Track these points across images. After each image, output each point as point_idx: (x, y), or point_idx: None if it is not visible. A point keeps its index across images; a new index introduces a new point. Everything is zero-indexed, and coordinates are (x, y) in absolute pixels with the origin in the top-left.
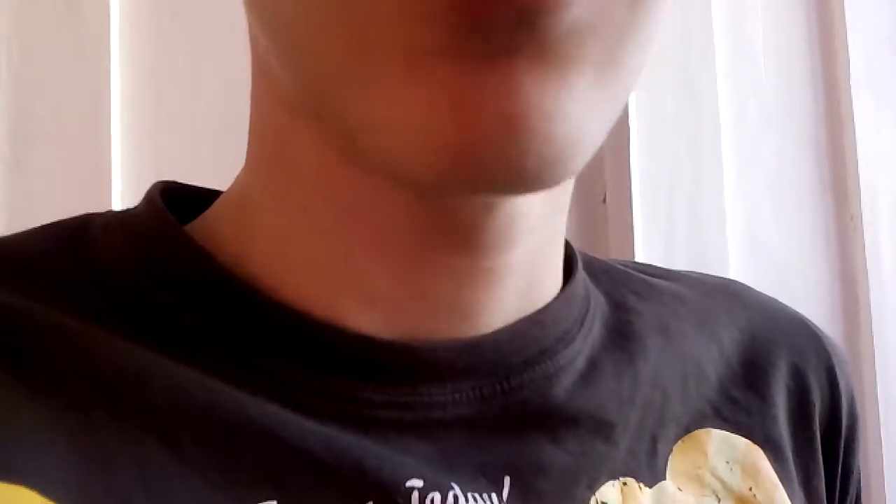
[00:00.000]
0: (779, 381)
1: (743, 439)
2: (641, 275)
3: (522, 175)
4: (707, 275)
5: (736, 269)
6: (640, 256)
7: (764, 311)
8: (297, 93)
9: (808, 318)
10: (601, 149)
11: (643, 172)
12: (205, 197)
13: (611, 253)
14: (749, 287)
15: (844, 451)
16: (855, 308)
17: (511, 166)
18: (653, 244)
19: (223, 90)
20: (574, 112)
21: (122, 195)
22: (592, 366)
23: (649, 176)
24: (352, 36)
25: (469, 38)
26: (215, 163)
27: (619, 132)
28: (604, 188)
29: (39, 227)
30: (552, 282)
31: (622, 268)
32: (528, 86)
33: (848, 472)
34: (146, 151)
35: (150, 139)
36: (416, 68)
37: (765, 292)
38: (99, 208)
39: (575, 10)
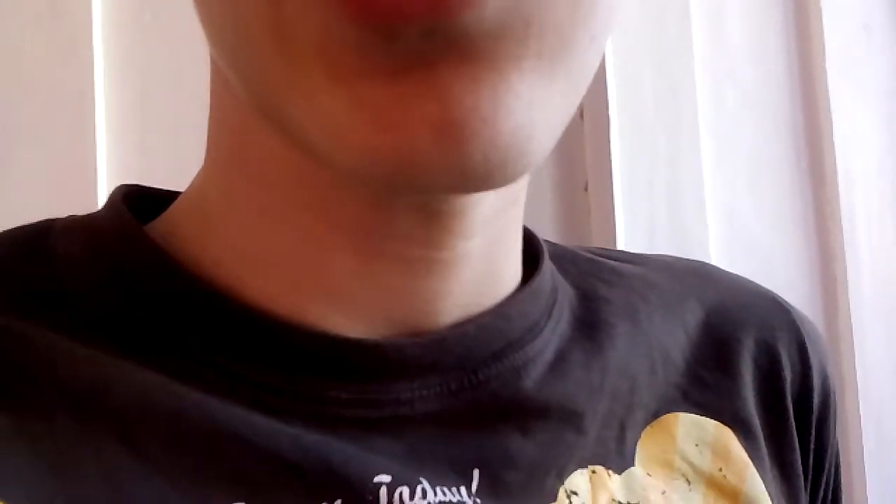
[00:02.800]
0: (747, 359)
1: (712, 421)
2: (609, 261)
3: (467, 178)
4: (677, 257)
5: (717, 255)
6: (622, 244)
7: (733, 291)
8: (243, 92)
9: (778, 294)
10: (581, 137)
11: (624, 161)
12: (170, 200)
13: (592, 241)
14: (718, 268)
15: (817, 427)
16: (833, 291)
17: (453, 171)
18: (635, 232)
19: (207, 86)
20: (519, 110)
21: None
22: (561, 357)
23: (630, 164)
24: (276, 43)
25: (383, 55)
26: (201, 159)
27: (600, 121)
28: (585, 176)
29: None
30: (511, 273)
31: (589, 255)
32: (458, 91)
33: (822, 447)
34: (132, 149)
35: (135, 137)
36: (337, 83)
37: (747, 276)
38: (85, 208)
39: (490, 7)
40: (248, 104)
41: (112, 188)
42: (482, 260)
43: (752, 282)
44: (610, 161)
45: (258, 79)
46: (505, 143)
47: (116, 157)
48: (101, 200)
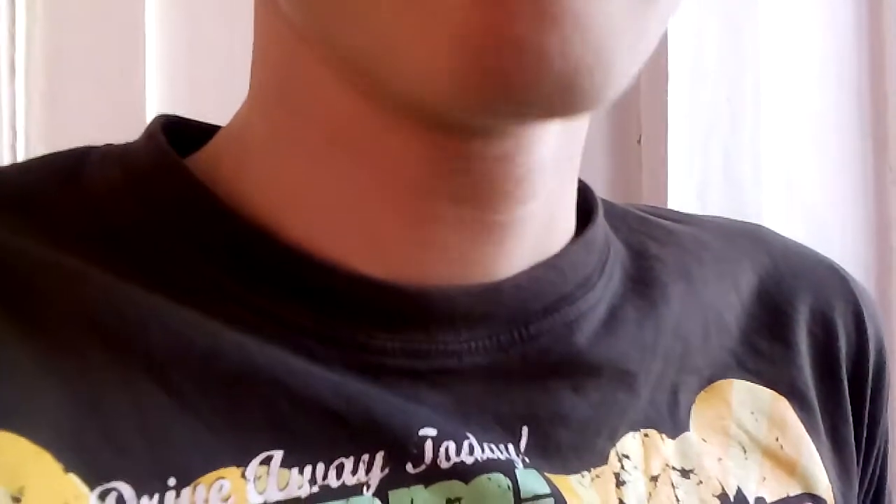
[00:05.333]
0: (803, 327)
1: (767, 390)
2: (661, 220)
3: (546, 105)
4: (731, 219)
5: (770, 216)
6: (673, 201)
7: (788, 257)
8: (295, 14)
9: (835, 261)
10: (637, 88)
11: (680, 115)
12: (210, 132)
13: (643, 195)
14: (774, 232)
15: (872, 399)
16: (889, 258)
17: (545, 74)
18: (686, 189)
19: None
20: (617, 17)
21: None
22: (613, 313)
23: (686, 119)
24: None
25: None
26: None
27: (657, 72)
28: (639, 129)
29: (36, 158)
30: (566, 227)
31: (640, 213)
32: None
33: (875, 420)
34: (181, 84)
35: (184, 72)
36: None
37: (799, 241)
38: (134, 132)
39: None
40: (300, 30)
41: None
42: (540, 220)
43: (808, 248)
44: (666, 114)
45: None
46: (601, 49)
47: (166, 91)
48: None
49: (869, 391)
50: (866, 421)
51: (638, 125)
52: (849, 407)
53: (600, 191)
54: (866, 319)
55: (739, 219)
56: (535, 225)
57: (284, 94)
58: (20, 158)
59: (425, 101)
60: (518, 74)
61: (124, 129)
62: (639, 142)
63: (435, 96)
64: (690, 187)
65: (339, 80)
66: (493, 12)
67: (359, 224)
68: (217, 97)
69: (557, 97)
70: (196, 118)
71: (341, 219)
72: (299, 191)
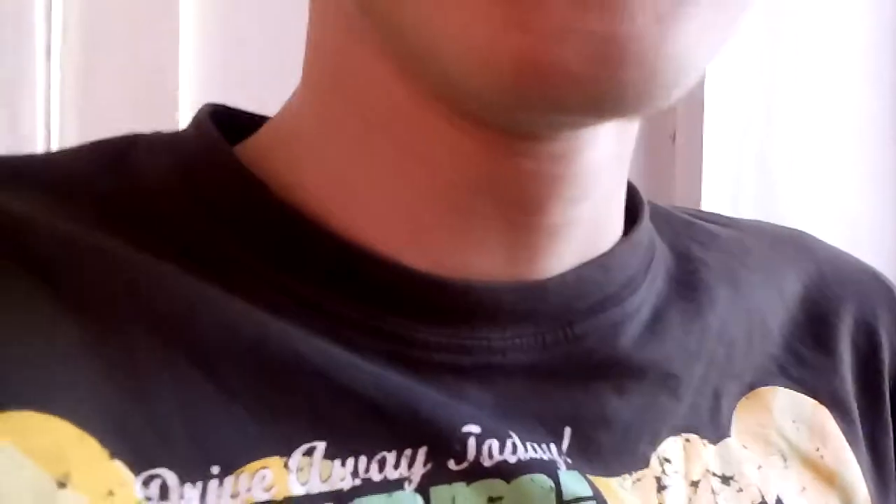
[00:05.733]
0: (846, 337)
1: (809, 399)
2: (704, 223)
3: (610, 103)
4: (774, 224)
5: (804, 218)
6: (707, 199)
7: (833, 264)
8: (352, 3)
9: (877, 263)
10: None
11: (716, 113)
12: (256, 122)
13: (675, 194)
14: (818, 239)
15: None
16: None
17: (598, 92)
18: (720, 188)
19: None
20: (689, 39)
21: (192, 105)
22: (658, 316)
23: (722, 118)
24: None
25: None
26: (284, 77)
27: None
28: (674, 126)
29: (85, 144)
30: (615, 227)
31: (684, 216)
32: (636, 5)
33: None
34: (215, 70)
35: (218, 49)
36: None
37: (831, 234)
38: (166, 118)
39: None
40: (357, 19)
41: (194, 100)
42: (590, 222)
43: (852, 256)
44: (702, 112)
45: None
46: (665, 74)
47: (200, 69)
48: (183, 113)
49: None
50: None
51: (673, 122)
52: (889, 419)
53: None
54: None
55: (773, 219)
56: (585, 227)
57: (338, 86)
58: (55, 141)
59: (482, 95)
60: (565, 96)
61: (157, 113)
62: (673, 139)
63: (474, 86)
64: (725, 187)
65: (393, 73)
66: (537, 41)
67: (407, 217)
68: (251, 83)
69: (606, 109)
70: (228, 97)
71: (390, 211)
72: (349, 182)
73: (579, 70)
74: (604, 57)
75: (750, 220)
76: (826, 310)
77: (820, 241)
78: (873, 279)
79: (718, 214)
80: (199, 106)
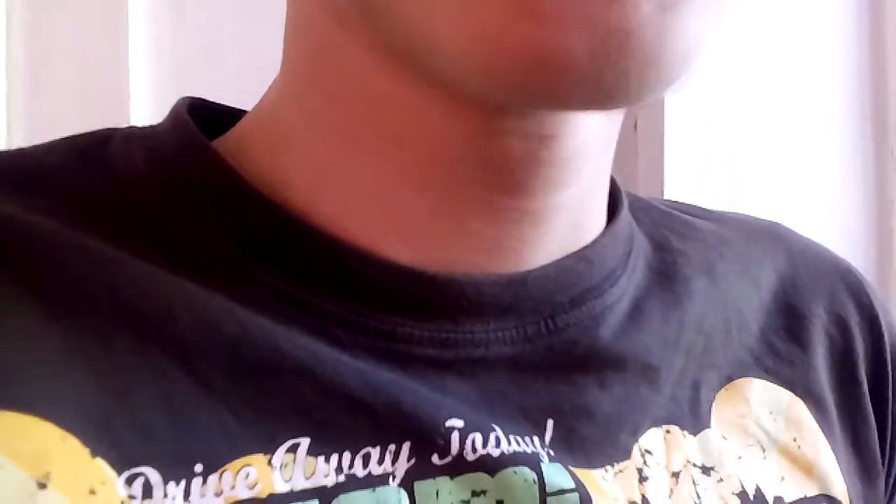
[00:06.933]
0: (820, 329)
1: (785, 390)
2: (682, 214)
3: (612, 94)
4: (750, 216)
5: (770, 202)
6: (670, 188)
7: (805, 256)
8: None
9: (846, 256)
10: None
11: (676, 99)
12: (233, 115)
13: (639, 183)
14: (793, 231)
15: (894, 400)
16: (889, 244)
17: (602, 84)
18: (685, 177)
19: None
20: (692, 27)
21: (143, 110)
22: (638, 307)
23: (682, 104)
24: None
25: None
26: (237, 72)
27: None
28: (634, 114)
29: (59, 140)
30: (598, 218)
31: (663, 207)
32: None
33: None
34: (166, 65)
35: (168, 49)
36: None
37: (798, 225)
38: (118, 122)
39: None
40: (339, 11)
41: (143, 101)
42: (576, 208)
43: (823, 247)
44: (662, 101)
45: None
46: (668, 63)
47: (150, 72)
48: (133, 113)
49: (890, 392)
50: (890, 422)
51: (633, 112)
52: (870, 408)
53: None
54: (883, 324)
55: (738, 204)
56: (569, 214)
57: (317, 76)
58: (2, 145)
59: (469, 83)
60: (560, 83)
61: (106, 105)
62: (635, 128)
63: (479, 80)
64: (689, 175)
65: (375, 62)
66: (544, 32)
67: (390, 210)
68: (202, 81)
69: (601, 98)
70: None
71: (372, 204)
72: (330, 175)
73: (585, 64)
74: (608, 48)
75: (727, 212)
76: (799, 303)
77: (793, 232)
78: (843, 271)
79: (696, 206)
80: (150, 108)
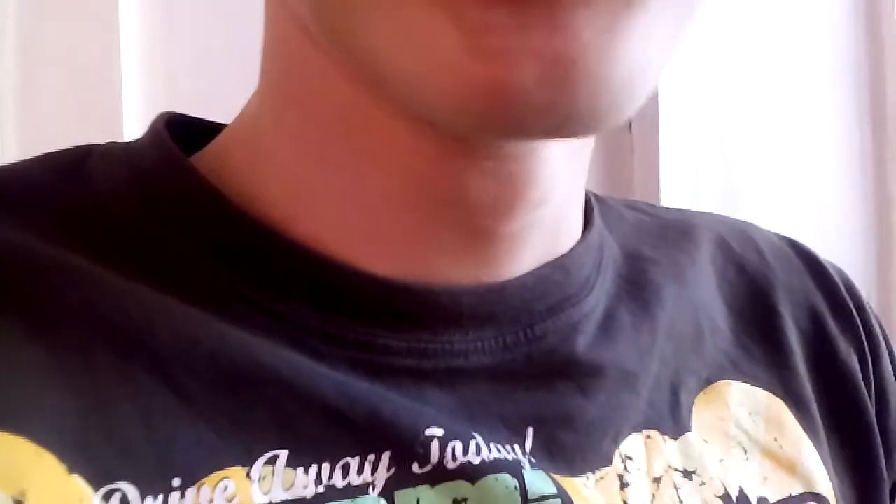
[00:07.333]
0: (790, 325)
1: (763, 391)
2: (655, 217)
3: (569, 121)
4: (724, 217)
5: (767, 202)
6: (666, 190)
7: (774, 253)
8: (307, 14)
9: (845, 253)
10: None
11: (671, 100)
12: (213, 129)
13: (634, 184)
14: (762, 229)
15: (875, 372)
16: (889, 241)
17: (556, 111)
18: (680, 177)
19: (239, 6)
20: (635, 50)
21: (135, 116)
22: (610, 315)
23: (677, 104)
24: None
25: None
26: (229, 82)
27: None
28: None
29: (38, 156)
30: (574, 228)
31: (634, 211)
32: (578, 24)
33: (885, 390)
34: (158, 71)
35: (161, 58)
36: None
37: (798, 224)
38: (110, 128)
39: None
40: (312, 29)
41: (137, 110)
42: (552, 222)
43: (786, 238)
44: (657, 100)
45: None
46: (616, 86)
47: (142, 78)
48: (127, 123)
49: (870, 366)
50: (874, 393)
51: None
52: (859, 392)
53: (591, 180)
54: (849, 300)
55: (735, 204)
56: (546, 229)
57: (295, 93)
58: None
59: (434, 116)
60: (517, 117)
61: (98, 114)
62: (629, 129)
63: (435, 111)
64: (684, 174)
65: (346, 81)
66: (493, 63)
67: (367, 223)
68: (194, 91)
69: (561, 127)
70: (172, 107)
71: (349, 218)
72: (308, 189)
73: (537, 94)
74: (556, 76)
75: (701, 213)
76: (767, 302)
77: (763, 230)
78: (807, 259)
79: (669, 208)
80: (144, 116)
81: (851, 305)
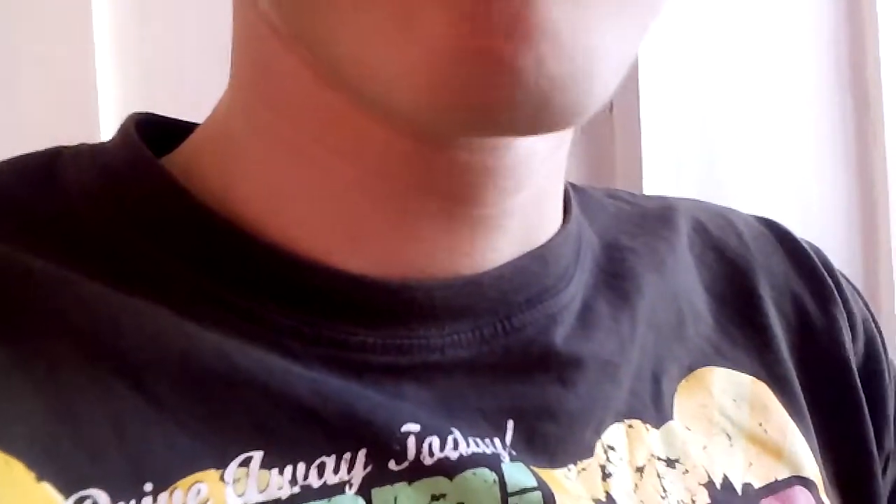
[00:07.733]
0: (771, 308)
1: (747, 376)
2: (634, 205)
3: (534, 112)
4: (704, 203)
5: (749, 187)
6: (648, 172)
7: (752, 235)
8: (272, 11)
9: (830, 241)
10: None
11: (651, 80)
12: (185, 129)
13: (616, 167)
14: (740, 213)
15: (866, 351)
16: (873, 221)
17: (520, 94)
18: (661, 160)
19: (215, 6)
20: (596, 30)
21: (111, 116)
22: (588, 306)
23: (658, 85)
24: None
25: None
26: (204, 83)
27: None
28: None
29: (7, 160)
30: (553, 219)
31: (612, 199)
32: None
33: (878, 371)
34: (133, 70)
35: (136, 57)
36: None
37: (781, 207)
38: (85, 128)
39: None
40: (279, 26)
41: (113, 109)
42: (530, 211)
43: (766, 221)
44: (637, 80)
45: None
46: (579, 62)
47: (118, 77)
48: (104, 123)
49: (862, 344)
50: (863, 370)
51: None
52: (847, 370)
53: (573, 170)
54: (827, 277)
55: (717, 188)
56: (523, 217)
57: (265, 92)
58: None
59: (402, 113)
60: (492, 91)
61: (76, 113)
62: (610, 110)
63: (411, 111)
64: (666, 157)
65: (315, 79)
66: (467, 27)
67: (340, 220)
68: (169, 91)
69: (535, 115)
70: (148, 106)
71: (322, 215)
72: (279, 188)
73: (490, 93)
74: (507, 79)
75: (681, 200)
76: (748, 286)
77: (742, 214)
78: (784, 239)
79: (650, 196)
80: (120, 117)
81: (830, 283)
